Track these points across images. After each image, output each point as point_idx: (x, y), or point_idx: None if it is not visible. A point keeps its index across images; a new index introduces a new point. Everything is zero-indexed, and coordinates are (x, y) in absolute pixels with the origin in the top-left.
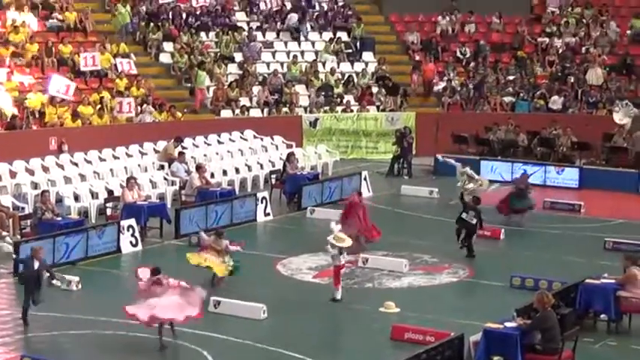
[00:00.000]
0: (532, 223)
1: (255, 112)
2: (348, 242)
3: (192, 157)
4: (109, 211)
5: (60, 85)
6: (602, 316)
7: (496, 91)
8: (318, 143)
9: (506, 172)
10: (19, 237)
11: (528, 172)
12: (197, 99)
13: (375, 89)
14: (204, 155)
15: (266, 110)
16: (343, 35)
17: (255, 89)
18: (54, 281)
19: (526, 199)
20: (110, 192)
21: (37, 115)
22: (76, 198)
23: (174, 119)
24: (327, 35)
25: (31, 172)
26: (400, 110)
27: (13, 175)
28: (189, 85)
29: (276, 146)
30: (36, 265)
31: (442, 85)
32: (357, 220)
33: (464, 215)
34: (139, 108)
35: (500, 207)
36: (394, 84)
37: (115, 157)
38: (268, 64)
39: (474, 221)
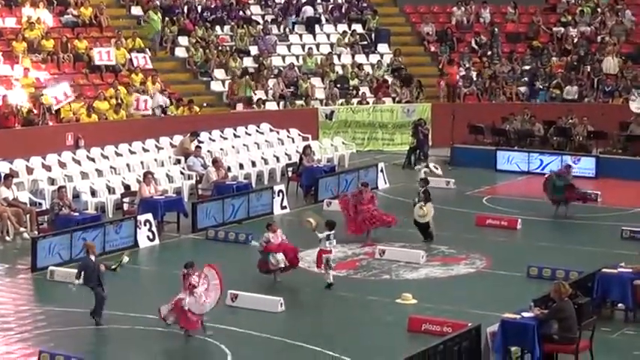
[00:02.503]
0: (548, 213)
1: (271, 106)
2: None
3: (208, 151)
4: (125, 206)
5: (59, 92)
6: (620, 305)
7: (512, 81)
8: (334, 135)
9: (523, 162)
10: (36, 233)
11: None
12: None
13: (390, 80)
14: (221, 149)
15: (282, 103)
16: (358, 27)
17: (271, 82)
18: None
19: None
20: (127, 187)
21: (53, 111)
22: (93, 193)
23: (191, 114)
24: (342, 27)
25: (48, 168)
26: (416, 102)
27: (30, 171)
28: (204, 79)
29: (292, 139)
30: (93, 259)
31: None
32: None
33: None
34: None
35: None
36: (406, 75)
37: (132, 152)
38: (284, 57)
39: None
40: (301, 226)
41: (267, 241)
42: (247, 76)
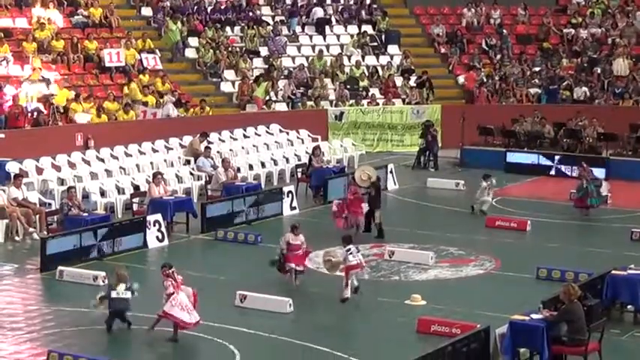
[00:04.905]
0: (558, 215)
1: (281, 106)
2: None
3: (217, 152)
4: (135, 207)
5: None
6: (629, 307)
7: (522, 83)
8: (343, 137)
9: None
10: (45, 233)
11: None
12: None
13: (399, 82)
14: (230, 150)
15: (291, 104)
16: (368, 29)
17: (281, 83)
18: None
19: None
20: (136, 187)
21: (62, 111)
22: (103, 194)
23: (203, 113)
24: (353, 29)
25: (58, 169)
26: (426, 103)
27: (39, 171)
28: (214, 80)
29: (302, 140)
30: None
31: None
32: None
33: None
34: (160, 101)
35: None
36: (420, 77)
37: (141, 153)
38: (294, 58)
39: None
40: (329, 270)
41: (287, 242)
42: (270, 81)
